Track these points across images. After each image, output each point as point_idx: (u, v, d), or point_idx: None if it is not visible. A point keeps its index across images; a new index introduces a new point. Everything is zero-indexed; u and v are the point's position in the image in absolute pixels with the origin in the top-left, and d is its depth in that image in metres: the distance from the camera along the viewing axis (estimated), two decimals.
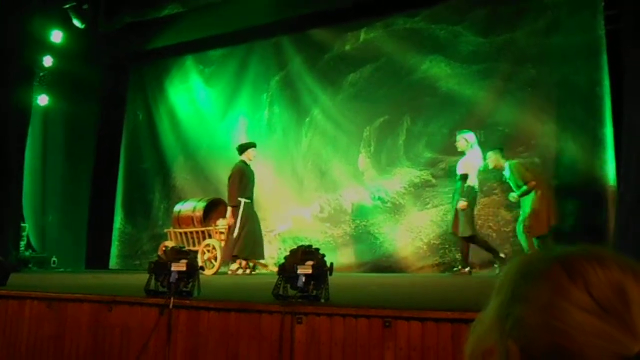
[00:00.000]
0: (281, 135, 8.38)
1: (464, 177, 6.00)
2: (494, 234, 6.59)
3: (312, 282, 2.82)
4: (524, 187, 5.88)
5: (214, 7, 7.88)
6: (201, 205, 7.42)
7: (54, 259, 8.58)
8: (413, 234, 7.12)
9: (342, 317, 2.60)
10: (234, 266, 6.71)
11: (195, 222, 7.35)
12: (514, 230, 6.31)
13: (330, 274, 2.90)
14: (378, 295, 3.69)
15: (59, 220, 9.25)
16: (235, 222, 6.63)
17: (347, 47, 7.97)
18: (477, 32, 7.02)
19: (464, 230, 5.92)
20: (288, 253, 3.03)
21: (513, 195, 6.03)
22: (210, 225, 7.30)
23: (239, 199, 6.69)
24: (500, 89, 6.77)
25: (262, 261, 7.01)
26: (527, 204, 5.89)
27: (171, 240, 7.53)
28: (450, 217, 6.27)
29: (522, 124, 6.56)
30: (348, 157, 7.74)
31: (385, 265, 7.18)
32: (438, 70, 7.23)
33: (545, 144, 6.41)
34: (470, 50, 7.05)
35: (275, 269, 6.72)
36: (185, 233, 7.42)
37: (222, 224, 7.01)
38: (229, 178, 6.86)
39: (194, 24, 8.36)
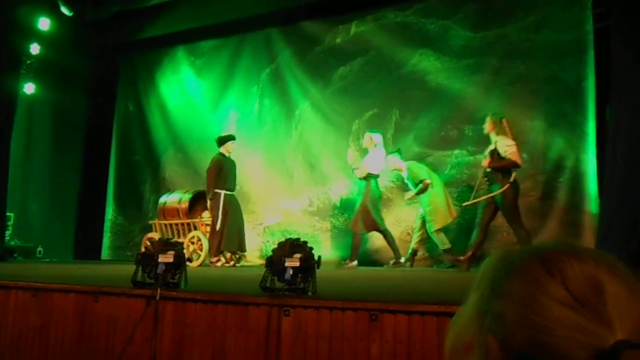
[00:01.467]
0: (271, 128, 8.36)
1: (368, 176, 6.34)
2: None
3: (299, 275, 2.84)
4: (420, 185, 6.22)
5: None
6: (187, 197, 7.41)
7: (39, 249, 8.51)
8: (401, 227, 7.14)
9: (329, 310, 2.61)
10: (214, 258, 6.74)
11: (180, 214, 7.35)
12: (500, 226, 6.37)
13: (318, 267, 2.92)
14: (365, 289, 3.71)
15: (45, 210, 9.17)
16: (216, 215, 6.68)
17: (338, 40, 7.95)
18: (468, 26, 7.03)
19: (361, 228, 6.31)
20: (276, 246, 3.03)
21: (408, 194, 6.43)
22: (196, 217, 7.30)
23: (217, 190, 6.72)
24: (490, 84, 6.80)
25: (243, 253, 7.07)
26: (426, 201, 6.25)
27: (156, 232, 7.51)
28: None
29: (510, 119, 6.55)
30: (337, 150, 7.75)
31: (372, 259, 7.21)
32: (427, 64, 7.24)
33: (534, 140, 6.45)
34: (460, 45, 7.06)
35: (261, 262, 6.79)
36: (171, 225, 7.41)
37: (207, 216, 7.03)
38: (207, 171, 6.90)
39: (185, 14, 8.29)
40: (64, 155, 9.30)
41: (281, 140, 8.24)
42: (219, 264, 6.73)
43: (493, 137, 5.53)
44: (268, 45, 8.48)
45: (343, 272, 5.61)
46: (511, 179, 5.36)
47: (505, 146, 5.38)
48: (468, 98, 6.88)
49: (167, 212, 7.48)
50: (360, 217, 6.41)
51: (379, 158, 6.52)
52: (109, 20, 8.56)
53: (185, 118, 9.08)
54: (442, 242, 6.23)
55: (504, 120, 5.52)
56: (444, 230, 6.23)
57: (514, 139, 5.45)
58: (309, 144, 8.03)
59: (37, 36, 8.56)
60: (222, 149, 7.04)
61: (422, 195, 6.25)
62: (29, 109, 8.91)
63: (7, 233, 8.23)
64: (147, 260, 2.95)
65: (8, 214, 8.23)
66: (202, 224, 7.16)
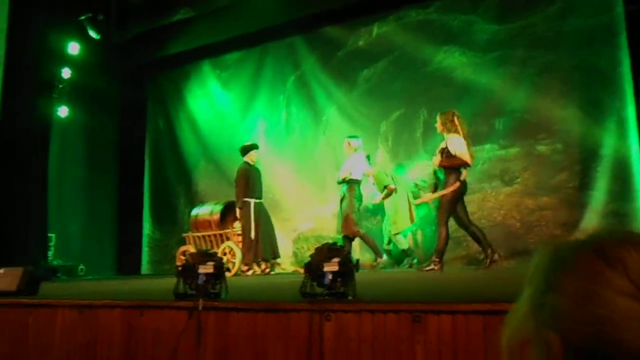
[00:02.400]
0: (299, 135, 8.40)
1: (350, 181, 6.41)
2: (517, 224, 6.50)
3: (338, 279, 2.82)
4: (385, 191, 6.58)
5: (225, 10, 7.92)
6: (218, 208, 7.53)
7: (81, 267, 8.74)
8: (435, 227, 7.05)
9: (370, 313, 2.59)
10: (245, 267, 6.80)
11: (212, 225, 7.47)
12: (539, 219, 6.26)
13: (357, 271, 2.90)
14: (404, 290, 3.67)
15: (84, 229, 9.42)
16: (247, 224, 6.73)
17: (361, 43, 7.95)
18: (491, 19, 6.93)
19: (351, 231, 6.36)
20: (313, 251, 3.03)
21: (373, 200, 6.87)
22: (228, 228, 7.39)
23: (246, 199, 6.78)
24: (517, 75, 6.68)
25: (277, 261, 7.11)
26: (390, 206, 6.65)
27: (190, 244, 7.63)
28: (468, 208, 6.39)
29: (541, 109, 6.45)
30: (366, 153, 7.71)
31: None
32: (453, 61, 7.17)
33: (567, 129, 6.30)
34: (484, 39, 6.97)
35: (293, 268, 6.84)
36: (204, 236, 7.53)
37: (238, 226, 7.10)
38: (235, 181, 6.97)
39: (207, 28, 8.43)
40: (99, 175, 9.55)
41: (310, 146, 8.26)
42: (249, 272, 6.77)
43: (445, 135, 5.39)
44: (291, 54, 8.54)
45: (379, 274, 5.57)
46: (462, 178, 5.22)
47: (455, 144, 5.24)
48: (496, 91, 6.78)
49: (200, 224, 7.61)
50: (352, 220, 6.40)
51: (359, 162, 6.60)
52: (134, 41, 8.77)
53: (215, 130, 9.22)
54: (401, 243, 6.61)
55: (455, 118, 5.37)
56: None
57: (465, 136, 5.28)
58: (337, 149, 8.01)
59: (68, 60, 8.82)
60: (247, 158, 7.10)
61: (386, 200, 6.67)
62: (63, 131, 9.18)
63: (50, 253, 8.47)
64: (188, 272, 2.99)
65: (49, 234, 8.48)
66: (234, 234, 7.23)
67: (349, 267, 2.86)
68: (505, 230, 6.54)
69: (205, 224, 7.55)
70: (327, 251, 2.94)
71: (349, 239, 6.46)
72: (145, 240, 9.71)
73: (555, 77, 6.43)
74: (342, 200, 6.56)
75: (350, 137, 6.79)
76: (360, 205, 6.57)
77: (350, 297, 2.80)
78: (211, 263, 3.01)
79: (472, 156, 5.30)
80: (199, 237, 7.59)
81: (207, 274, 2.97)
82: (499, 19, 6.86)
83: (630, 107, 5.83)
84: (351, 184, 6.45)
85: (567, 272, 0.56)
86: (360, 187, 6.58)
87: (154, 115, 10.10)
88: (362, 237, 6.54)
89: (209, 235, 7.51)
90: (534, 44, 6.58)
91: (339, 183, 6.60)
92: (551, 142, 6.38)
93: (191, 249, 7.46)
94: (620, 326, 0.51)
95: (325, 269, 2.84)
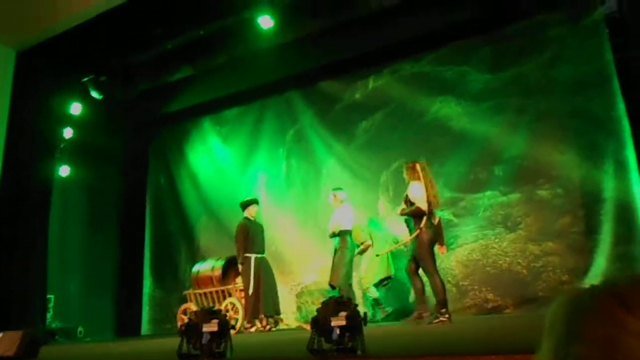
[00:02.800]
0: (300, 188, 8.43)
1: (341, 232, 6.46)
2: (524, 271, 6.42)
3: (347, 334, 2.75)
4: (361, 246, 6.78)
5: (225, 67, 8.12)
6: (219, 264, 7.46)
7: (80, 329, 8.54)
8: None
9: None
10: (248, 324, 6.66)
11: (214, 281, 7.37)
12: (545, 265, 6.19)
13: (365, 324, 2.83)
14: (414, 344, 3.57)
15: (84, 290, 9.27)
16: (247, 279, 6.66)
17: (357, 96, 8.12)
18: (484, 69, 7.11)
19: (336, 282, 6.32)
20: (319, 305, 2.97)
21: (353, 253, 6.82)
22: (230, 284, 7.28)
23: (247, 255, 6.74)
24: (514, 122, 6.78)
25: (279, 316, 6.98)
26: (364, 260, 6.89)
27: (191, 302, 7.50)
28: (472, 255, 6.64)
29: (540, 155, 6.51)
30: (367, 203, 7.72)
31: (414, 310, 7.00)
32: (449, 110, 7.29)
33: (567, 174, 6.33)
34: (478, 88, 7.12)
35: (297, 324, 6.72)
36: (205, 293, 7.41)
37: (241, 281, 7.00)
38: (235, 237, 6.95)
39: (207, 86, 8.62)
40: (99, 233, 9.50)
41: (311, 198, 8.27)
42: (253, 329, 6.63)
43: (410, 183, 5.49)
44: (289, 108, 8.71)
45: (387, 328, 5.44)
46: (421, 225, 5.21)
47: (413, 191, 5.33)
48: (494, 139, 6.86)
49: (201, 281, 7.50)
50: (340, 271, 6.39)
51: (347, 213, 6.67)
52: (136, 99, 8.95)
53: (216, 185, 9.26)
54: (372, 293, 6.81)
55: (417, 166, 5.45)
56: None
57: (428, 183, 5.32)
58: None
59: (70, 121, 8.93)
60: (246, 213, 7.13)
61: (362, 255, 6.87)
62: (64, 190, 9.20)
63: (49, 315, 8.30)
64: (191, 331, 2.92)
65: (48, 296, 8.33)
66: (236, 290, 7.13)
67: (357, 321, 2.80)
68: (512, 277, 6.45)
69: (207, 280, 7.45)
70: (333, 305, 2.88)
71: (334, 288, 6.47)
72: (145, 299, 9.54)
73: (551, 123, 6.53)
74: (335, 252, 6.57)
75: (335, 189, 6.90)
76: (352, 255, 6.58)
77: (359, 353, 2.72)
78: (215, 321, 2.94)
79: (432, 201, 5.28)
80: (200, 294, 7.47)
81: (211, 333, 2.89)
82: (491, 69, 7.04)
83: (630, 149, 5.88)
84: (342, 235, 6.49)
85: (587, 319, 0.55)
86: (352, 238, 6.62)
87: (155, 172, 10.17)
88: (342, 291, 6.42)
89: (210, 292, 7.39)
90: (528, 92, 6.72)
91: (331, 237, 6.63)
92: (551, 187, 6.40)
93: (192, 307, 7.33)
94: None
95: (333, 323, 2.77)
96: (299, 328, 6.41)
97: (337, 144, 8.14)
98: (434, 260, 5.26)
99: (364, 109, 7.99)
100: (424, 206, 5.21)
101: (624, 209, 5.90)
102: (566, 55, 6.50)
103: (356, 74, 8.15)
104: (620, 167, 6.00)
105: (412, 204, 5.30)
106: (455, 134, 7.15)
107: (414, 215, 5.29)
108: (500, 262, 6.57)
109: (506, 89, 6.90)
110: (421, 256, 5.23)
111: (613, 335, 0.52)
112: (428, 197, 5.22)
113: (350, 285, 6.49)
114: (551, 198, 6.38)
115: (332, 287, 6.40)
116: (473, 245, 6.79)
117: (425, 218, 5.20)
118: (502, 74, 6.96)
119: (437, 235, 5.29)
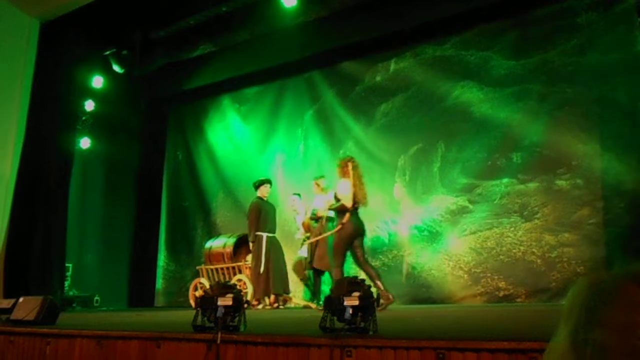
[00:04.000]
0: (317, 168, 8.42)
1: (327, 218, 6.47)
2: (538, 260, 6.38)
3: (359, 314, 2.77)
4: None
5: (245, 45, 8.10)
6: (231, 241, 7.60)
7: (96, 297, 8.74)
8: (452, 262, 6.97)
9: (392, 349, 2.53)
10: (255, 302, 6.75)
11: (225, 258, 7.53)
12: (560, 256, 6.14)
13: (377, 305, 2.85)
14: (425, 327, 3.60)
15: (100, 259, 9.46)
16: (258, 258, 6.74)
17: (378, 78, 8.04)
18: (508, 55, 6.98)
19: (326, 265, 6.32)
20: (334, 285, 2.99)
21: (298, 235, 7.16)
22: (240, 261, 7.39)
23: (259, 233, 6.82)
24: (536, 110, 6.67)
25: (289, 295, 7.06)
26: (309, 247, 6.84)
27: (203, 276, 7.65)
28: (486, 243, 6.61)
29: (561, 144, 6.41)
30: (384, 187, 7.71)
31: (424, 296, 7.04)
32: (470, 96, 7.20)
33: (588, 165, 6.24)
34: (502, 74, 7.00)
35: (304, 303, 6.83)
36: (217, 269, 7.57)
37: (251, 259, 7.10)
38: (247, 215, 7.03)
39: (227, 63, 8.61)
40: (117, 205, 9.65)
41: (327, 180, 8.27)
42: (260, 306, 6.73)
43: (339, 180, 5.65)
44: (310, 88, 8.67)
45: (397, 311, 5.47)
46: (344, 220, 5.37)
47: (340, 188, 5.49)
48: (514, 126, 6.77)
49: (213, 257, 7.67)
50: (326, 254, 6.44)
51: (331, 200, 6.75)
52: (156, 74, 8.98)
53: (233, 163, 9.31)
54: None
55: (349, 164, 5.58)
56: None
57: (356, 181, 5.47)
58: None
59: (92, 93, 9.05)
60: (259, 193, 7.24)
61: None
62: (84, 162, 9.35)
63: (66, 283, 8.50)
64: (206, 303, 2.97)
65: (67, 264, 8.52)
66: (246, 267, 7.24)
67: (369, 301, 2.82)
68: (526, 266, 6.42)
69: (219, 257, 7.61)
70: (347, 285, 2.91)
71: (319, 273, 6.58)
72: (159, 272, 9.69)
73: (574, 112, 6.41)
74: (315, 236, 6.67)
75: (318, 177, 7.13)
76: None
77: (371, 333, 2.75)
78: (230, 295, 2.98)
79: (360, 200, 5.45)
80: (212, 269, 7.63)
81: (226, 307, 2.94)
82: (516, 55, 6.91)
83: None
84: (328, 220, 6.58)
85: (608, 305, 0.55)
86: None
87: (173, 147, 10.25)
88: (332, 274, 6.52)
89: (222, 268, 7.53)
90: (552, 79, 6.59)
91: (314, 219, 6.77)
92: (571, 177, 6.31)
93: (204, 281, 7.48)
94: None
95: (346, 303, 2.80)
96: (306, 307, 6.50)
97: (356, 126, 8.11)
98: (344, 256, 5.46)
99: (384, 92, 7.93)
100: (349, 204, 5.39)
101: None
102: (594, 43, 6.35)
103: (378, 55, 8.06)
104: None
105: (338, 200, 5.50)
106: (476, 119, 7.07)
107: (339, 211, 5.50)
108: (514, 250, 6.54)
109: (530, 75, 6.77)
110: (335, 249, 5.48)
111: (633, 322, 0.52)
112: (355, 195, 5.40)
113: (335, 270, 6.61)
114: (570, 188, 6.30)
115: (318, 270, 6.54)
116: (487, 233, 6.76)
117: (348, 214, 5.38)
118: (526, 60, 6.83)
119: (358, 231, 5.47)
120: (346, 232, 5.40)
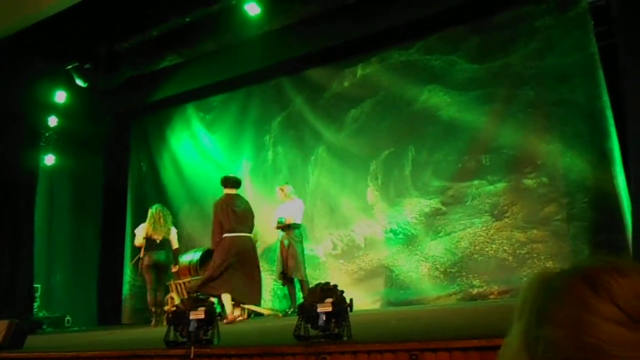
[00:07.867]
0: (287, 175, 8.40)
1: (293, 225, 6.78)
2: (510, 257, 6.49)
3: (333, 320, 2.77)
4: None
5: (211, 55, 8.05)
6: (197, 255, 7.64)
7: (67, 318, 8.51)
8: (428, 264, 7.03)
9: (366, 353, 2.54)
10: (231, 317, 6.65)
11: (191, 272, 7.50)
12: (530, 252, 6.27)
13: (351, 310, 2.86)
14: (400, 329, 3.61)
15: (69, 278, 9.22)
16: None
17: (346, 84, 8.09)
18: (472, 59, 7.11)
19: (300, 274, 6.63)
20: (307, 293, 2.98)
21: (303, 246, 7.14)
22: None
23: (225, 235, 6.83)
24: (501, 112, 6.81)
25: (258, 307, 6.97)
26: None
27: (173, 292, 7.63)
28: (460, 244, 6.71)
29: (526, 145, 6.56)
30: (356, 191, 7.74)
31: (402, 297, 7.07)
32: (437, 100, 7.30)
33: (552, 163, 6.40)
34: (466, 78, 7.12)
35: (267, 312, 6.84)
36: (184, 283, 7.54)
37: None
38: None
39: (192, 74, 8.52)
40: (83, 222, 9.44)
41: (299, 186, 8.25)
42: (239, 318, 6.60)
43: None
44: (278, 95, 8.64)
45: (374, 314, 5.49)
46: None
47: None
48: (482, 128, 6.89)
49: (180, 272, 7.68)
50: (301, 263, 6.72)
51: (299, 207, 7.00)
52: (121, 87, 8.84)
53: (199, 172, 9.18)
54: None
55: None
56: None
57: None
58: (327, 188, 8.03)
59: (54, 109, 8.84)
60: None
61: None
62: (49, 179, 9.12)
63: (36, 305, 8.25)
64: (178, 318, 2.92)
65: (35, 285, 8.28)
66: None
67: (342, 307, 2.82)
68: (498, 264, 6.53)
69: (185, 271, 7.62)
70: (320, 291, 2.90)
71: (291, 281, 6.67)
72: (126, 288, 9.44)
73: (537, 114, 6.57)
74: (288, 244, 6.78)
75: (283, 184, 7.27)
76: (304, 248, 6.93)
77: (345, 338, 2.75)
78: (202, 309, 2.95)
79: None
80: (180, 284, 7.60)
81: (198, 320, 2.90)
82: (479, 59, 7.04)
83: (613, 139, 5.95)
84: (294, 228, 6.82)
85: (557, 302, 0.56)
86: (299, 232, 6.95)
87: (136, 159, 10.04)
88: (301, 282, 6.67)
89: (189, 281, 7.51)
90: (515, 82, 6.74)
91: (278, 228, 6.88)
92: (537, 176, 6.46)
93: (175, 296, 7.45)
94: (609, 353, 0.50)
95: (319, 309, 2.79)
96: (273, 315, 6.56)
97: (326, 132, 8.12)
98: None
99: (353, 97, 7.97)
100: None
101: (606, 198, 5.98)
102: (552, 46, 6.53)
103: (345, 62, 8.11)
104: (604, 157, 6.07)
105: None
106: (444, 123, 7.17)
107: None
108: (487, 249, 6.64)
109: (494, 78, 6.91)
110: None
111: (582, 318, 0.53)
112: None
113: (305, 280, 6.71)
114: (537, 187, 6.45)
115: (290, 279, 6.65)
116: (461, 234, 6.85)
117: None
118: (489, 64, 6.97)
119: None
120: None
